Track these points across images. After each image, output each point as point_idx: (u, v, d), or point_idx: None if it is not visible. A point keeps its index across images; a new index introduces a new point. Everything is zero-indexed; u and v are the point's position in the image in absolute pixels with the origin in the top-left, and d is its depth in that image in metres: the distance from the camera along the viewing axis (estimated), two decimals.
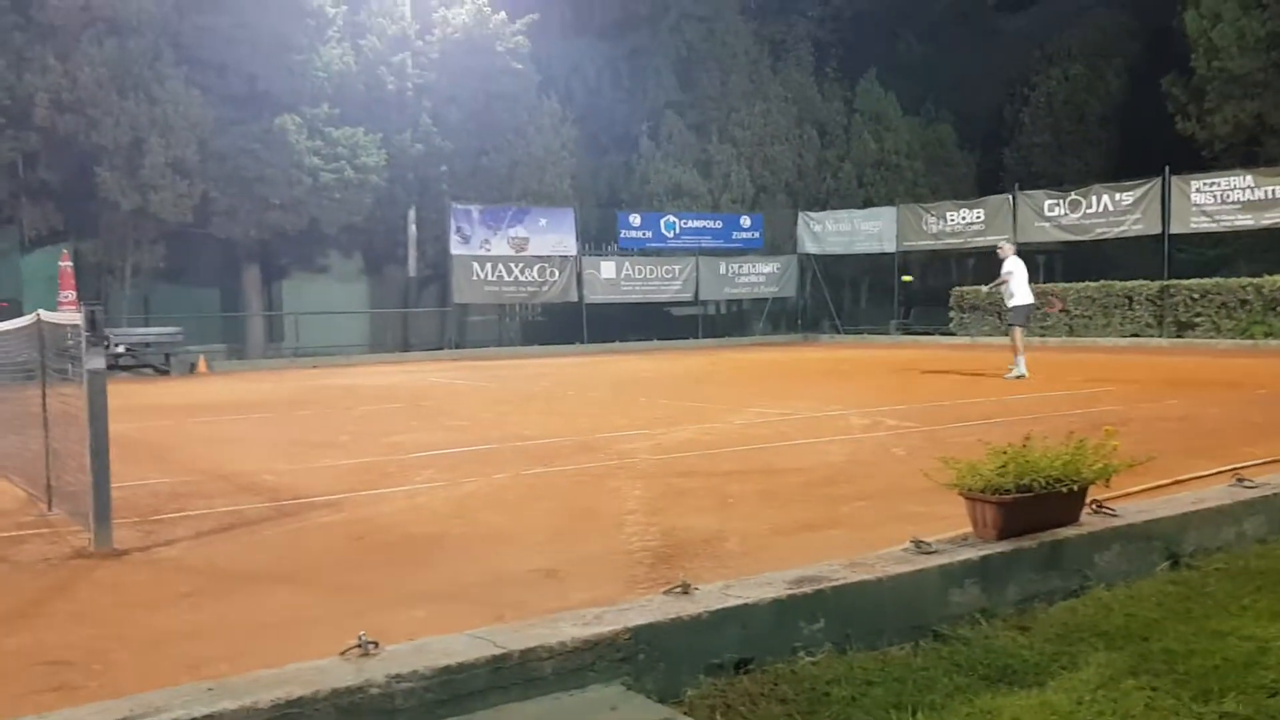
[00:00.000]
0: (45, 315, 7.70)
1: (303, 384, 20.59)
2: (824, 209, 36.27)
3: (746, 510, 6.99)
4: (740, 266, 34.70)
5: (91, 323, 6.18)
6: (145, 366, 24.06)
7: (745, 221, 35.13)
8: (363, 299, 32.67)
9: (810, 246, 35.76)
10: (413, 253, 30.01)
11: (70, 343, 6.75)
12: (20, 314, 14.71)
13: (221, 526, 7.01)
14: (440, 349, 29.88)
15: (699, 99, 35.97)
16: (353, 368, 25.77)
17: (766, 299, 36.07)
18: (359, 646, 3.55)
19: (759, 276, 35.18)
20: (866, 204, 35.88)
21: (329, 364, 26.82)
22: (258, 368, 26.27)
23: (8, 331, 9.44)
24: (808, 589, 4.24)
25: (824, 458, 9.14)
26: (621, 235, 33.31)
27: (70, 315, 6.80)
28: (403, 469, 9.06)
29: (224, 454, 10.67)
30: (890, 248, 33.56)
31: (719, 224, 34.76)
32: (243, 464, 9.78)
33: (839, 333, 34.82)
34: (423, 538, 6.47)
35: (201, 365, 25.17)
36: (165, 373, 23.97)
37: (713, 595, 4.09)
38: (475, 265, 30.05)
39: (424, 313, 31.89)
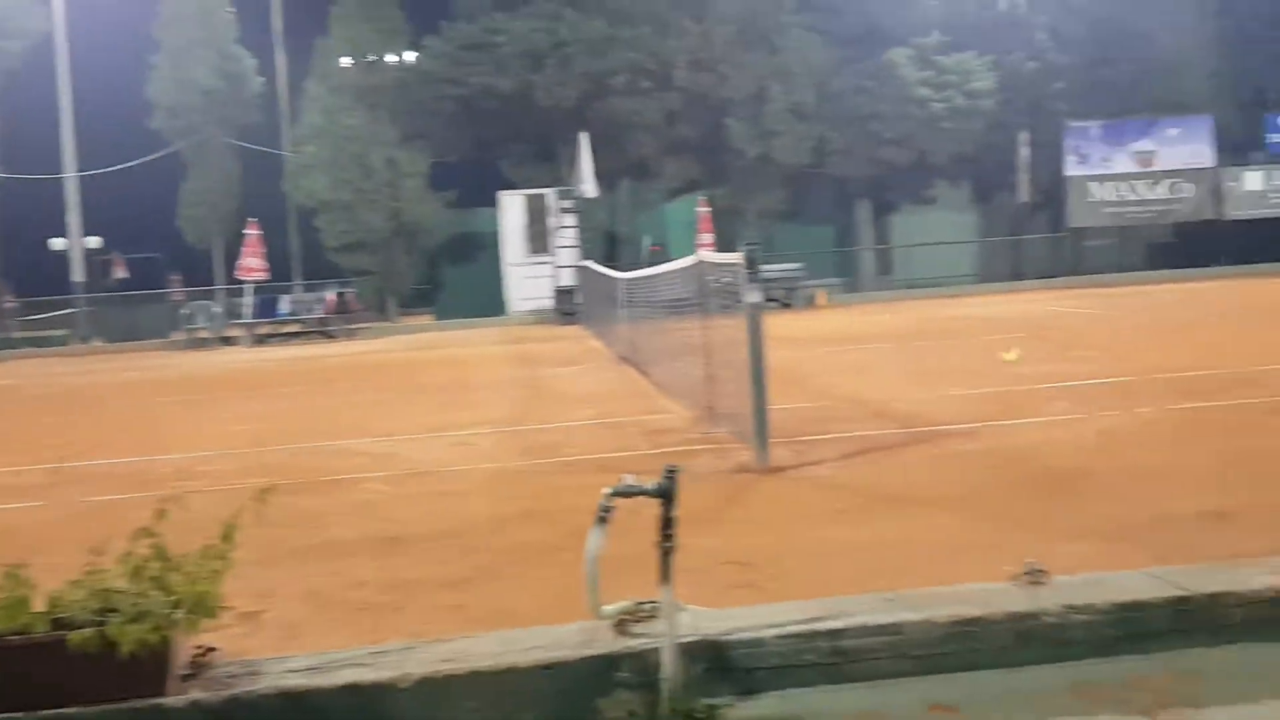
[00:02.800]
0: (707, 256, 8.61)
1: (916, 315, 20.86)
2: None
3: None
4: None
5: (750, 262, 6.80)
6: (772, 301, 25.97)
7: None
8: (972, 228, 32.13)
9: None
10: (1024, 178, 28.83)
11: (726, 280, 7.49)
12: (668, 257, 16.75)
13: (862, 449, 7.37)
14: (1055, 277, 28.45)
15: None
16: (963, 298, 25.53)
17: None
18: (1028, 574, 3.54)
19: None
20: None
21: (939, 295, 26.83)
22: (871, 300, 27.09)
23: (670, 272, 10.73)
24: None
25: None
26: (1271, 140, 28.95)
27: (730, 256, 7.53)
28: (1033, 400, 8.82)
29: (853, 382, 11.20)
30: None
31: None
32: (872, 391, 10.18)
33: None
34: (1069, 471, 6.26)
35: (821, 299, 26.54)
36: (789, 306, 25.64)
37: None
38: (1093, 186, 28.11)
39: (1037, 239, 30.57)
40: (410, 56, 27.62)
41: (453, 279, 29.35)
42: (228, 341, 24.83)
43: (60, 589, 2.82)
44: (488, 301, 27.04)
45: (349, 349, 21.80)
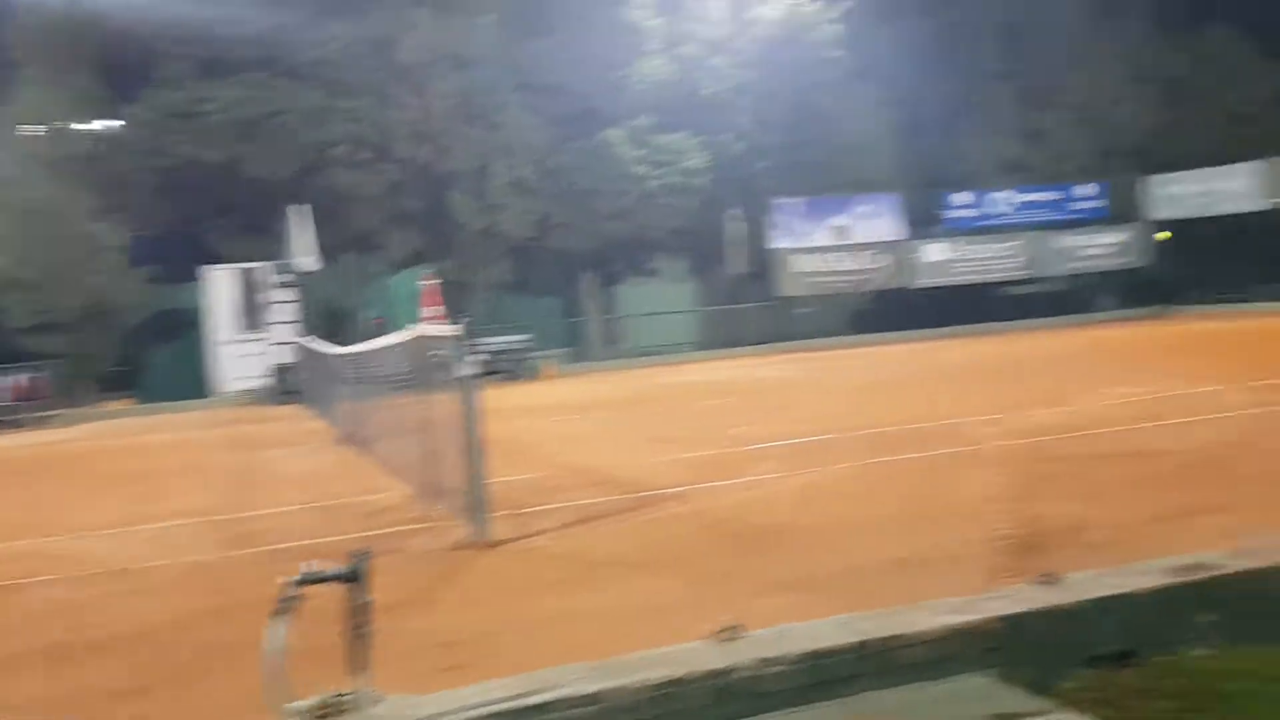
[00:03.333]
0: (423, 330, 8.50)
1: (640, 383, 21.43)
2: (1174, 170, 33.15)
3: (1114, 496, 6.54)
4: (1082, 239, 32.45)
5: (465, 335, 6.77)
6: (499, 372, 25.96)
7: (1085, 190, 32.83)
8: (691, 298, 33.53)
9: (1161, 211, 32.83)
10: (737, 250, 30.46)
11: (443, 353, 7.41)
12: (390, 330, 16.43)
13: (582, 518, 7.43)
14: (769, 343, 30.10)
15: (1024, 67, 33.98)
16: (685, 365, 26.51)
17: (1113, 272, 33.49)
18: (725, 631, 3.65)
19: (1104, 248, 32.75)
20: (1225, 161, 32.42)
21: (663, 362, 27.74)
22: (598, 369, 27.62)
23: (389, 347, 10.52)
24: (1194, 577, 3.91)
25: (1198, 438, 8.38)
26: (948, 216, 32.12)
27: (446, 328, 7.47)
28: (744, 461, 9.22)
29: (577, 450, 11.32)
30: (1258, 206, 30.15)
31: (1055, 195, 32.72)
32: (594, 459, 10.32)
33: (1199, 304, 31.69)
34: (772, 528, 6.55)
35: (548, 369, 26.78)
36: (516, 377, 25.70)
37: (1086, 584, 3.87)
38: (799, 258, 30.08)
39: (751, 308, 32.28)
40: (108, 125, 25.95)
41: (157, 359, 27.48)
42: None
43: None
44: (195, 382, 25.49)
45: (38, 439, 19.90)
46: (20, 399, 23.42)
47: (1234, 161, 31.97)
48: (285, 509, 8.92)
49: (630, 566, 5.94)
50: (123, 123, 26.23)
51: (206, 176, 25.89)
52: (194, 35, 25.51)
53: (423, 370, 8.43)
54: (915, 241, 31.38)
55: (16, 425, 22.72)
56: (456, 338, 6.97)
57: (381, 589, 5.88)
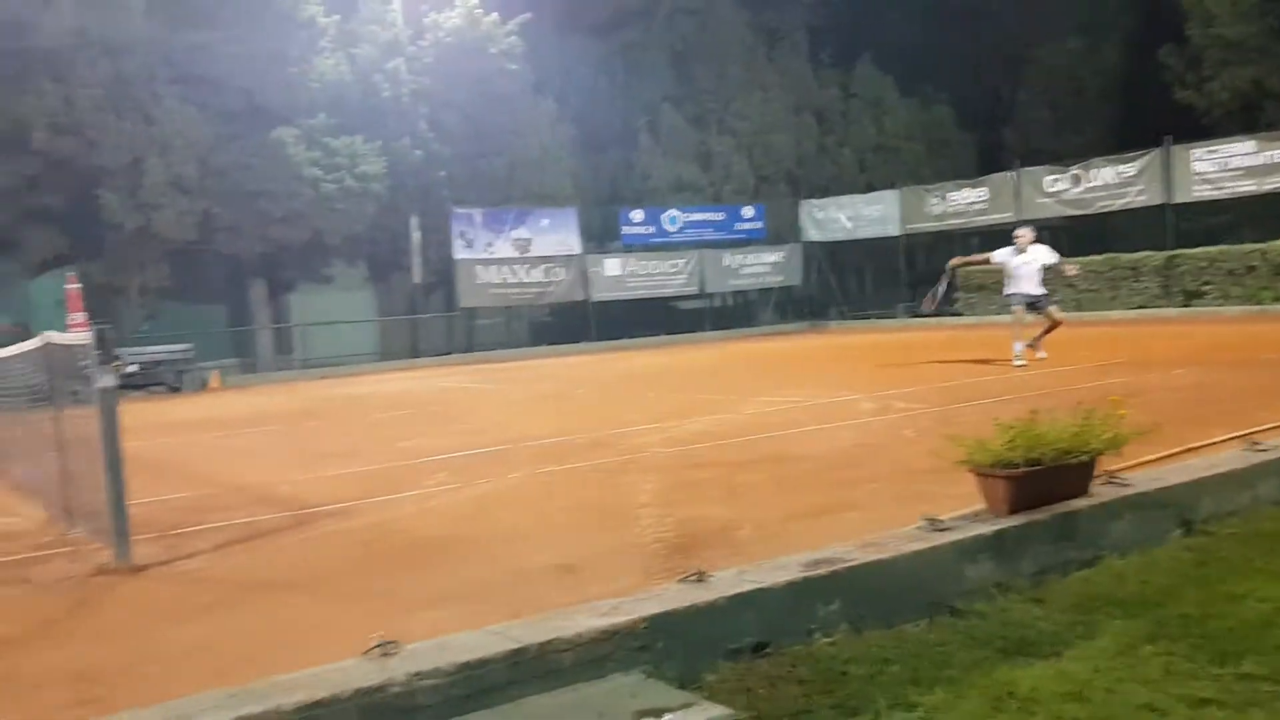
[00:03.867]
0: (54, 337, 7.76)
1: (313, 395, 20.66)
2: (825, 195, 36.21)
3: (759, 498, 7.01)
4: (744, 257, 34.67)
5: (101, 342, 6.23)
6: (157, 384, 24.15)
7: (747, 212, 35.11)
8: (369, 307, 32.75)
9: (814, 234, 35.70)
10: (417, 259, 30.06)
11: (81, 363, 6.80)
12: (30, 338, 14.84)
13: (239, 538, 7.06)
14: (449, 354, 29.93)
15: (695, 92, 35.96)
16: (362, 376, 25.84)
17: (772, 289, 36.05)
18: (379, 647, 3.59)
19: (764, 266, 35.15)
20: (869, 189, 35.81)
21: (339, 374, 26.89)
22: (268, 381, 26.35)
23: (16, 356, 9.52)
24: (822, 571, 4.26)
25: (835, 443, 9.16)
26: (624, 232, 33.33)
27: (79, 336, 6.85)
28: (415, 474, 9.10)
29: (239, 467, 10.74)
30: (895, 231, 33.49)
31: (721, 216, 34.76)
32: (257, 476, 9.84)
33: (846, 319, 34.77)
34: (438, 540, 6.51)
35: (214, 381, 25.26)
36: (177, 390, 24.05)
37: (728, 581, 4.13)
38: (480, 269, 30.11)
39: (431, 318, 31.97)
40: None
41: None
42: None
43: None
44: None
45: None
46: None
47: (877, 189, 35.37)
48: None
49: (286, 587, 5.71)
50: None
51: None
52: None
53: (58, 382, 7.72)
54: (593, 255, 32.29)
55: None
56: (93, 346, 6.41)
57: (3, 622, 5.33)
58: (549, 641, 3.57)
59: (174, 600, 5.60)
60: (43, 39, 23.93)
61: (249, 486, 9.20)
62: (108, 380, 6.17)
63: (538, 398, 16.52)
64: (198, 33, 25.11)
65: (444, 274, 30.73)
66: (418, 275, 30.38)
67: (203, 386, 24.92)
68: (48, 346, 7.77)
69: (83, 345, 6.58)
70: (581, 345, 30.26)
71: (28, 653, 4.86)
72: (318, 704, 3.15)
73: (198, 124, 25.55)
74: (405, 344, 31.64)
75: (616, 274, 32.40)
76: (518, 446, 10.36)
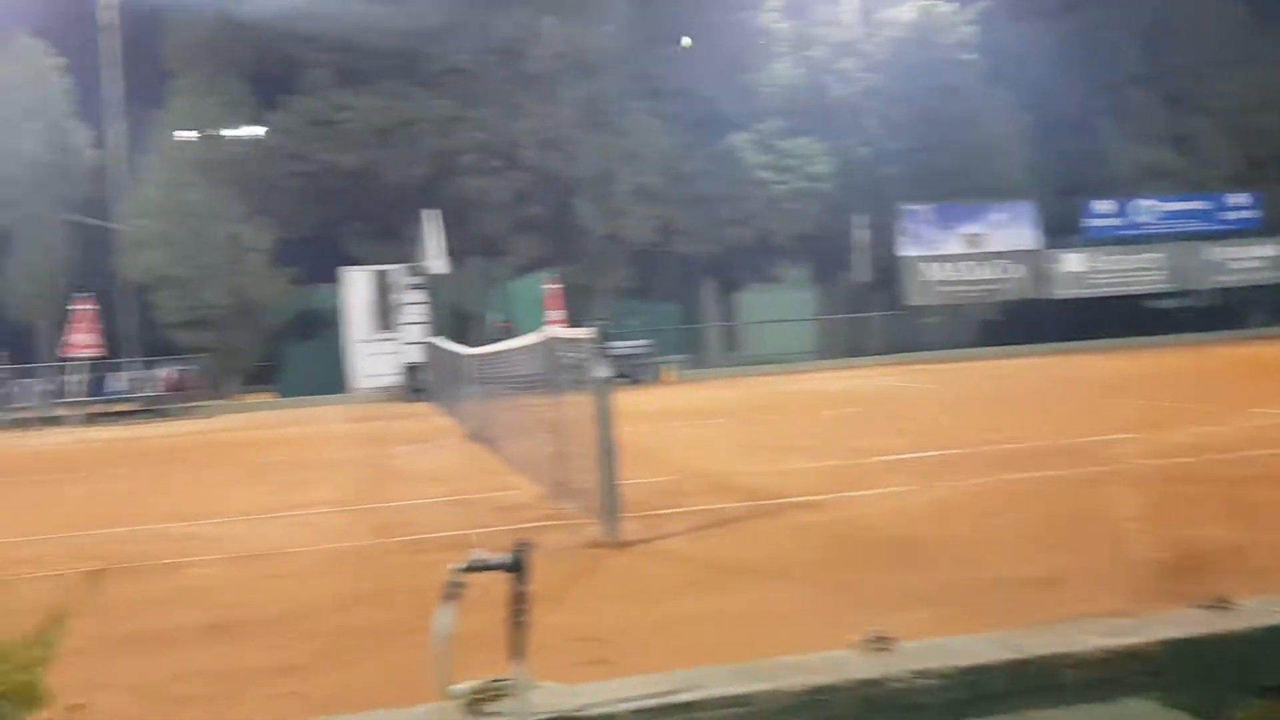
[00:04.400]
0: (555, 332, 8.64)
1: (760, 390, 21.33)
2: None
3: (1272, 520, 6.24)
4: (1233, 251, 30.98)
5: (599, 338, 6.86)
6: (621, 377, 26.14)
7: (1237, 200, 31.35)
8: (813, 306, 33.22)
9: None
10: (861, 257, 30.07)
11: (576, 356, 7.52)
12: (515, 334, 16.73)
13: (710, 523, 7.44)
14: (892, 353, 29.61)
15: (1166, 70, 32.71)
16: (805, 374, 26.27)
17: (1268, 286, 31.89)
18: (873, 641, 3.61)
19: (1257, 261, 31.21)
20: None
21: (781, 371, 27.54)
22: (717, 376, 27.58)
23: (519, 348, 10.71)
24: None
25: None
26: (1088, 224, 31.09)
27: (579, 331, 7.58)
28: (872, 472, 9.09)
29: (700, 456, 11.33)
30: None
31: (1204, 205, 31.35)
32: (719, 465, 10.32)
33: None
34: (905, 540, 6.45)
35: (668, 374, 26.86)
36: (637, 382, 25.85)
37: (1257, 611, 3.70)
38: (927, 266, 29.52)
39: (875, 317, 31.82)
40: (254, 131, 27.06)
41: (295, 356, 28.55)
42: (54, 421, 23.43)
43: None
44: (331, 379, 26.36)
45: (186, 428, 20.86)
46: (170, 390, 24.56)
47: None
48: (421, 501, 9.17)
49: (763, 573, 5.92)
50: (267, 129, 27.28)
51: (344, 182, 26.79)
52: (334, 45, 26.41)
53: (554, 372, 8.56)
54: (1052, 251, 30.46)
55: (166, 415, 23.87)
56: (590, 341, 7.07)
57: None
58: (1056, 655, 3.41)
59: (660, 576, 6.02)
60: (531, 65, 26.78)
61: (712, 475, 9.67)
62: (604, 371, 6.76)
63: (991, 400, 15.89)
64: (665, 48, 26.87)
65: (888, 272, 30.48)
66: (861, 273, 30.39)
67: (658, 380, 26.59)
68: (549, 341, 8.66)
69: (581, 340, 7.27)
70: (1037, 346, 28.63)
71: (543, 612, 5.43)
72: (827, 689, 3.23)
73: (662, 134, 27.35)
74: (847, 342, 31.75)
75: (1078, 270, 30.33)
76: (975, 451, 10.02)
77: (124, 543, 7.91)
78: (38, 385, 24.32)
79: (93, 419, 23.51)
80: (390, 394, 25.08)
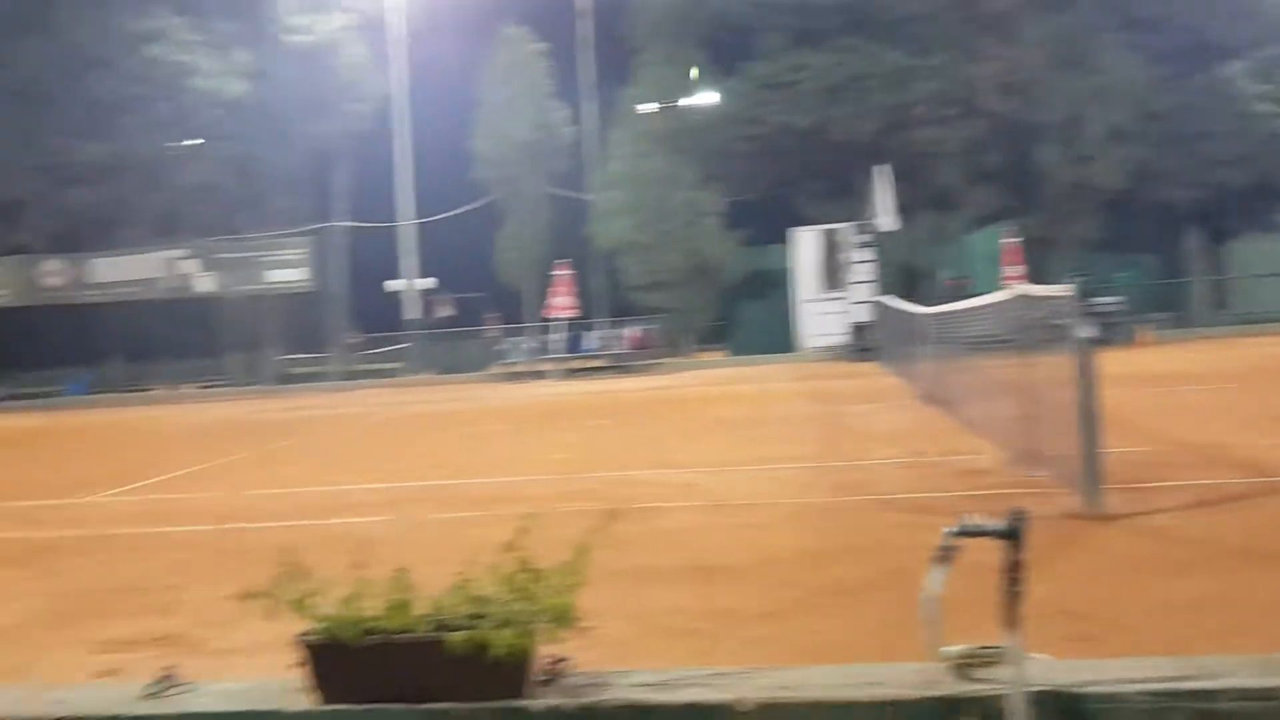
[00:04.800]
0: (1026, 289, 8.23)
1: (1258, 354, 18.96)
2: None
3: None
4: None
5: (1081, 295, 6.44)
6: (1100, 336, 24.34)
7: None
8: None
9: None
10: None
11: (1052, 314, 7.11)
12: (970, 292, 16.09)
13: (1202, 499, 6.77)
14: None
15: None
16: None
17: None
18: None
19: None
20: None
21: None
22: (1203, 337, 24.88)
23: (980, 307, 10.34)
24: None
25: None
26: None
27: (1055, 288, 7.16)
28: None
29: (1185, 425, 10.34)
30: None
31: None
32: (1208, 436, 9.36)
33: None
34: None
35: (1146, 335, 24.68)
36: (1111, 343, 23.98)
37: None
38: None
39: None
40: (709, 99, 28.28)
41: (746, 316, 29.64)
42: (538, 375, 26.26)
43: (437, 594, 3.08)
44: (780, 338, 27.08)
45: (649, 384, 22.47)
46: (634, 348, 26.55)
47: None
48: (878, 461, 9.19)
49: (1271, 558, 5.29)
50: (721, 96, 28.38)
51: (795, 143, 27.30)
52: (787, 7, 26.86)
53: (1023, 331, 8.17)
54: None
55: (629, 371, 25.87)
56: (1067, 298, 6.66)
57: (997, 549, 5.85)
58: None
59: (1149, 553, 5.58)
60: (991, 4, 25.52)
61: (1202, 446, 8.80)
62: (1087, 330, 6.35)
63: None
64: None
65: None
66: None
67: (1131, 340, 24.51)
68: (1018, 298, 8.28)
69: (1058, 298, 6.87)
70: None
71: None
72: None
73: (1137, 69, 25.01)
74: None
75: None
76: None
77: (610, 486, 8.70)
78: (524, 343, 27.32)
79: (569, 374, 26.02)
80: (837, 353, 25.31)
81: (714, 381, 21.42)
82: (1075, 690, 2.92)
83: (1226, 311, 27.85)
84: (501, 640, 2.85)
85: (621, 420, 14.58)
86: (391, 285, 31.60)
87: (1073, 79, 25.08)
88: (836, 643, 4.30)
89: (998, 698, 2.87)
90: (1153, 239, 28.88)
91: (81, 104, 26.35)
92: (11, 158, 26.01)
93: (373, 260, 31.97)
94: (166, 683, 3.37)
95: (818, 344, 26.48)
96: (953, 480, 8.05)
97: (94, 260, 28.33)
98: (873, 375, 19.75)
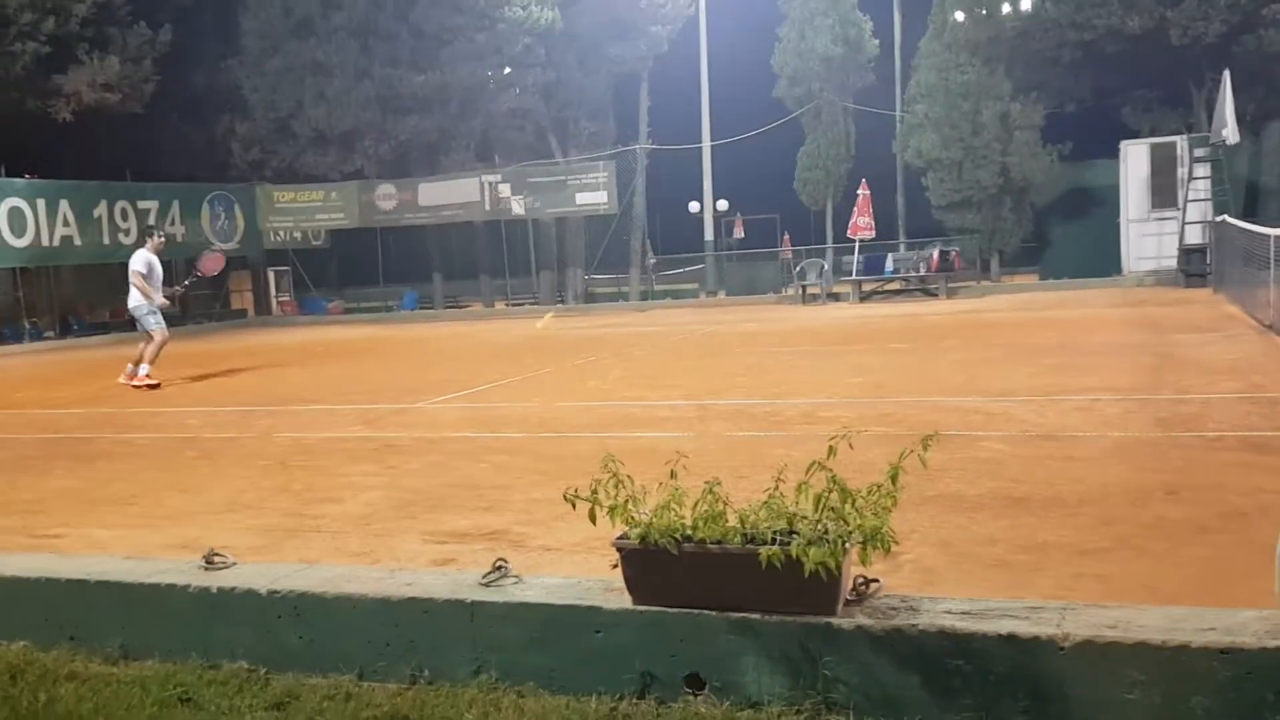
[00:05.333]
0: None
1: None
2: None
3: None
4: None
5: None
6: None
7: None
8: None
9: None
10: None
11: None
12: None
13: None
14: None
15: None
16: None
17: None
18: None
19: None
20: None
21: None
22: None
23: None
24: None
25: None
26: None
27: None
28: None
29: None
30: None
31: None
32: None
33: None
34: None
35: None
36: None
37: None
38: None
39: None
40: (1028, 4, 26.38)
41: (1061, 237, 27.80)
42: (835, 297, 25.95)
43: (749, 508, 3.16)
44: (1099, 261, 25.21)
45: (951, 307, 21.68)
46: (935, 270, 25.61)
47: None
48: (1213, 395, 8.45)
49: None
50: (1039, 1, 26.40)
51: (1125, 48, 25.04)
52: None
53: None
54: None
55: (932, 294, 25.03)
56: None
57: None
58: None
59: None
60: None
61: None
62: None
63: None
64: None
65: None
66: None
67: None
68: None
69: None
70: None
71: None
72: None
73: None
74: None
75: None
76: None
77: (915, 411, 8.52)
78: (822, 264, 27.01)
79: (866, 296, 25.52)
80: (1163, 278, 23.34)
81: (1025, 306, 20.38)
82: None
83: None
84: (811, 557, 2.88)
85: (922, 344, 14.18)
86: (692, 207, 32.07)
87: None
88: (1161, 586, 4.04)
89: None
90: None
91: (409, 37, 28.19)
92: (350, 90, 28.27)
93: (674, 182, 32.49)
94: (499, 573, 3.67)
95: (1142, 268, 24.49)
96: None
97: (420, 184, 30.45)
98: (1207, 302, 18.12)
